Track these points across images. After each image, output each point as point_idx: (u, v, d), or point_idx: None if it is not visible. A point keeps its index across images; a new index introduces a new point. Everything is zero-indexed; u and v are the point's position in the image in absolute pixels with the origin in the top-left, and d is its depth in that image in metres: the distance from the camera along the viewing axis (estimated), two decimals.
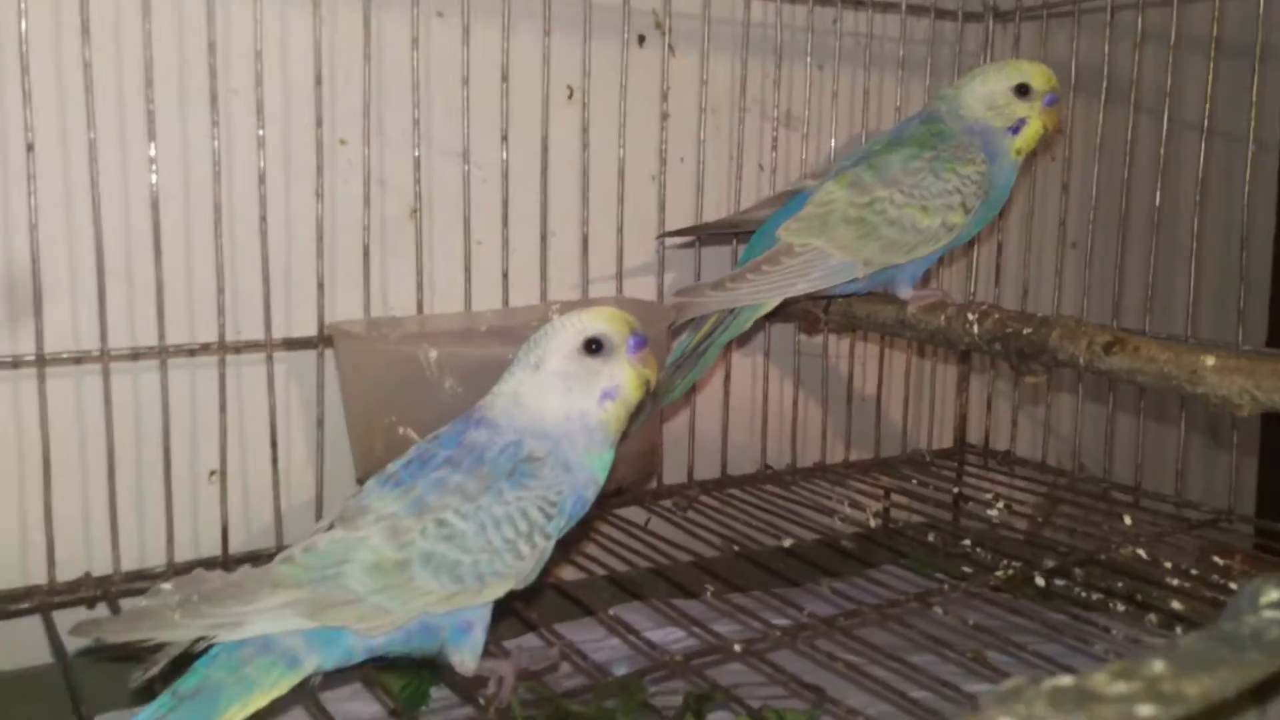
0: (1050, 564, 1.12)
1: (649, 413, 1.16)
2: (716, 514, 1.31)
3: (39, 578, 1.06)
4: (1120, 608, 1.06)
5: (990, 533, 1.33)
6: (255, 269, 1.13)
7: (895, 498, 1.48)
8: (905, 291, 1.23)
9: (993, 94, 1.19)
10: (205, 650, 0.77)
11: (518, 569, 0.81)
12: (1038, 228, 1.62)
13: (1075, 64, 1.45)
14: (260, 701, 0.76)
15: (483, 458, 0.82)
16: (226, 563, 1.12)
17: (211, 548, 1.14)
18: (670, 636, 1.22)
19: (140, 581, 1.08)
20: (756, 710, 0.85)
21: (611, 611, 0.99)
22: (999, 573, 1.09)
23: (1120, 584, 1.12)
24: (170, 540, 1.11)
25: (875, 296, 1.29)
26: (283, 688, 0.77)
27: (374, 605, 0.77)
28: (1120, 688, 0.50)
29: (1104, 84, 1.42)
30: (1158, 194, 1.38)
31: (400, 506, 0.80)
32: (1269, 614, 0.59)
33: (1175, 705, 0.49)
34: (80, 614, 1.08)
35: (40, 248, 1.02)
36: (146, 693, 0.80)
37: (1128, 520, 1.28)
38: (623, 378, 0.85)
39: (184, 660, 0.77)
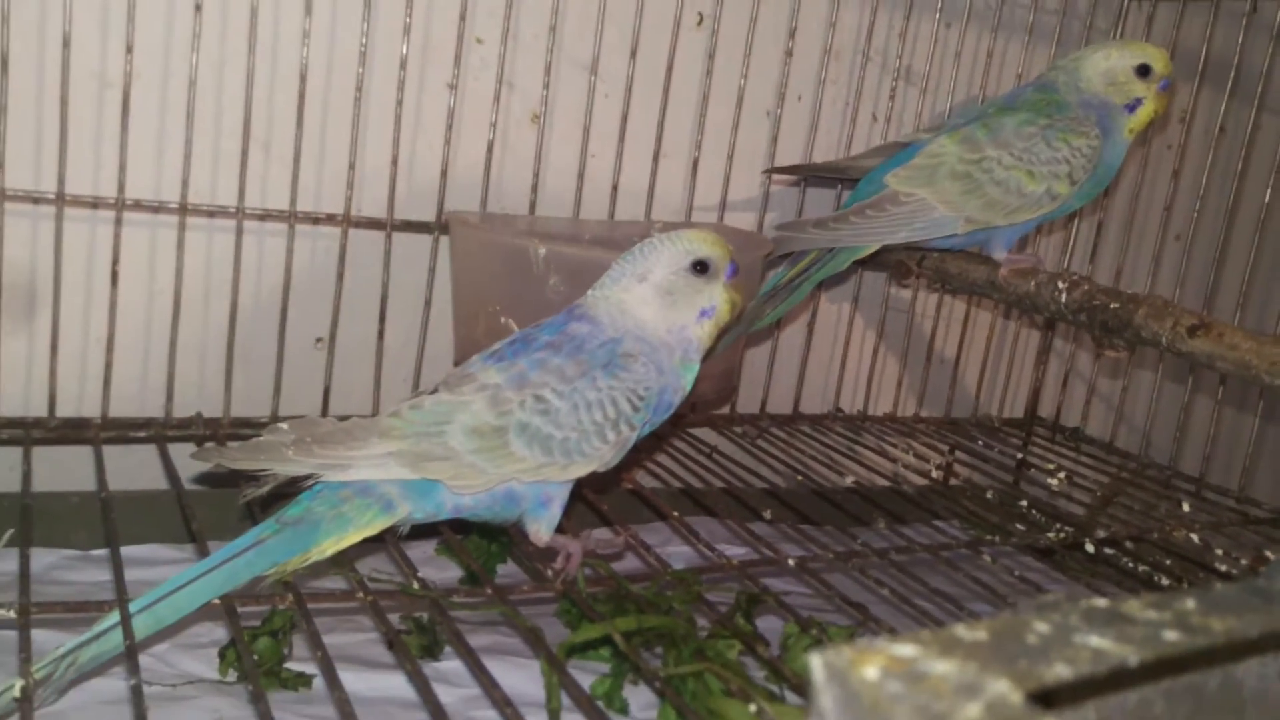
0: (1102, 534, 1.15)
1: (736, 335, 1.21)
2: (785, 445, 1.36)
3: (156, 412, 1.15)
4: (1165, 582, 1.09)
5: (1048, 500, 1.37)
6: (385, 151, 1.20)
7: (960, 455, 1.51)
8: (1000, 253, 1.26)
9: (1114, 70, 1.20)
10: (309, 486, 0.84)
11: (601, 453, 0.87)
12: (1142, 212, 1.62)
13: (1207, 51, 1.45)
14: (354, 538, 0.84)
15: (582, 347, 0.88)
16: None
17: (312, 408, 1.22)
18: (731, 548, 1.29)
19: (245, 429, 1.16)
20: (803, 618, 0.91)
21: (681, 517, 1.05)
22: (1050, 534, 1.13)
23: (1169, 562, 1.15)
24: (276, 394, 1.19)
25: (969, 255, 1.32)
26: (376, 528, 0.85)
27: (469, 464, 0.84)
28: (1151, 614, 0.55)
29: (1232, 75, 1.41)
30: (1267, 192, 1.38)
31: (503, 379, 0.86)
32: None
33: (1199, 636, 0.54)
34: (189, 449, 1.17)
35: (195, 104, 1.10)
36: (247, 520, 0.88)
37: (1186, 507, 1.30)
38: (720, 299, 0.90)
39: (282, 496, 0.85)
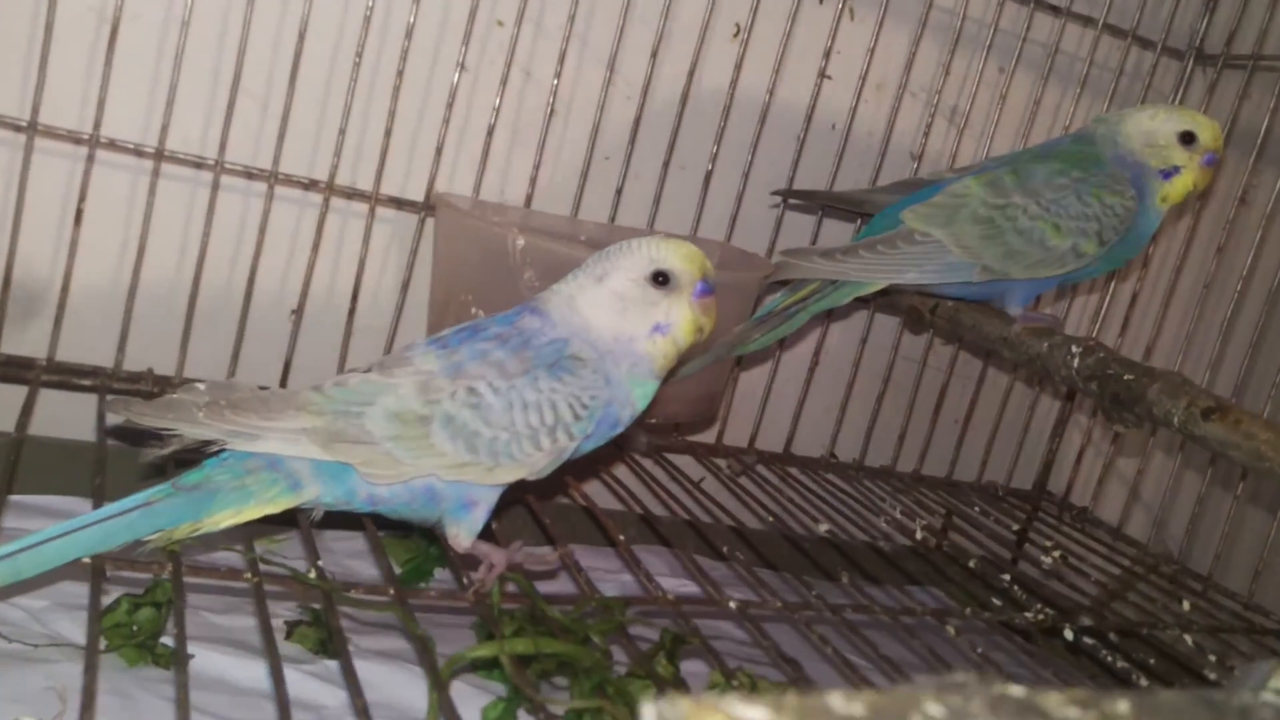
0: (1086, 622, 1.06)
1: (717, 357, 1.14)
2: (768, 487, 1.28)
3: (106, 362, 1.10)
4: (1145, 684, 0.99)
5: (1039, 579, 1.28)
6: (381, 122, 1.15)
7: (955, 521, 1.42)
8: (1015, 309, 1.18)
9: (1156, 132, 1.12)
10: (217, 453, 0.79)
11: (533, 460, 0.81)
12: (1184, 287, 1.52)
13: (1270, 122, 1.36)
14: (252, 514, 0.78)
15: (529, 343, 0.82)
16: None
17: (271, 379, 1.16)
18: (674, 582, 1.21)
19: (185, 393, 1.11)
20: (730, 669, 0.83)
21: (627, 543, 0.98)
22: (1029, 614, 1.04)
23: (1154, 662, 1.05)
24: (234, 360, 1.14)
25: (985, 308, 1.24)
26: (278, 506, 0.79)
27: (385, 452, 0.78)
28: (1072, 713, 0.47)
29: None
30: None
31: (439, 366, 0.80)
32: (1270, 697, 0.55)
33: None
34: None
35: (185, 46, 1.05)
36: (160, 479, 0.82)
37: (1186, 606, 1.20)
38: (679, 317, 0.83)
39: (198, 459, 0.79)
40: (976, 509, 1.41)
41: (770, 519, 1.15)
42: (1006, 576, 1.14)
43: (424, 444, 0.79)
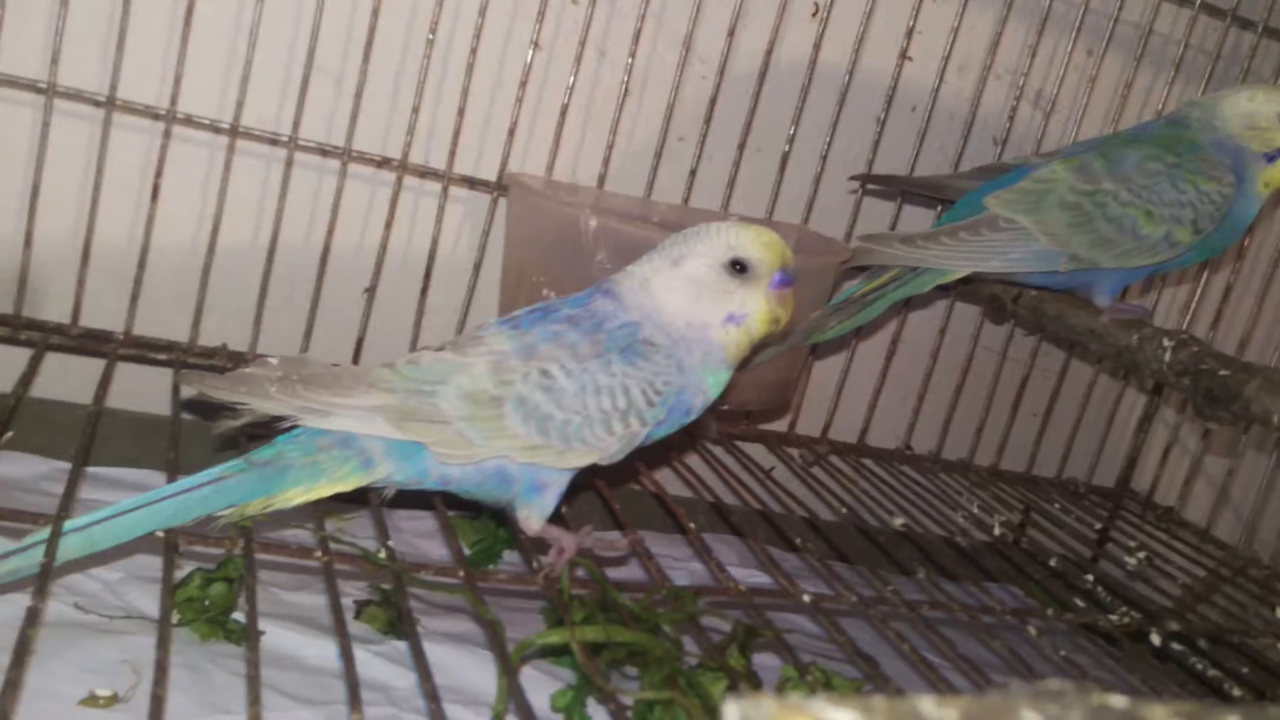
0: (1174, 626, 1.02)
1: (792, 345, 1.11)
2: (841, 478, 1.26)
3: (181, 336, 1.11)
4: (1237, 693, 0.95)
5: (1123, 580, 1.23)
6: (455, 101, 1.13)
7: (1034, 517, 1.38)
8: (1103, 299, 1.13)
9: (1256, 113, 1.07)
10: (289, 429, 0.78)
11: (605, 445, 0.79)
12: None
13: None
14: (323, 491, 0.77)
15: (601, 326, 0.80)
16: None
17: (343, 356, 1.16)
18: (746, 573, 1.19)
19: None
20: (804, 663, 0.81)
21: (698, 531, 0.96)
22: (1114, 617, 1.00)
23: (1247, 670, 1.01)
24: (307, 337, 1.14)
25: (1070, 298, 1.19)
26: (349, 484, 0.78)
27: (457, 432, 0.77)
28: None
29: None
30: None
31: (511, 346, 0.79)
32: None
33: None
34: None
35: (260, 26, 1.05)
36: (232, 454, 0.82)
37: (1279, 612, 1.15)
38: (754, 308, 0.80)
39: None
40: (1056, 506, 1.37)
41: (843, 510, 1.13)
42: (1089, 577, 1.10)
43: (496, 425, 0.77)
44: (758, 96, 1.24)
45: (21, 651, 0.55)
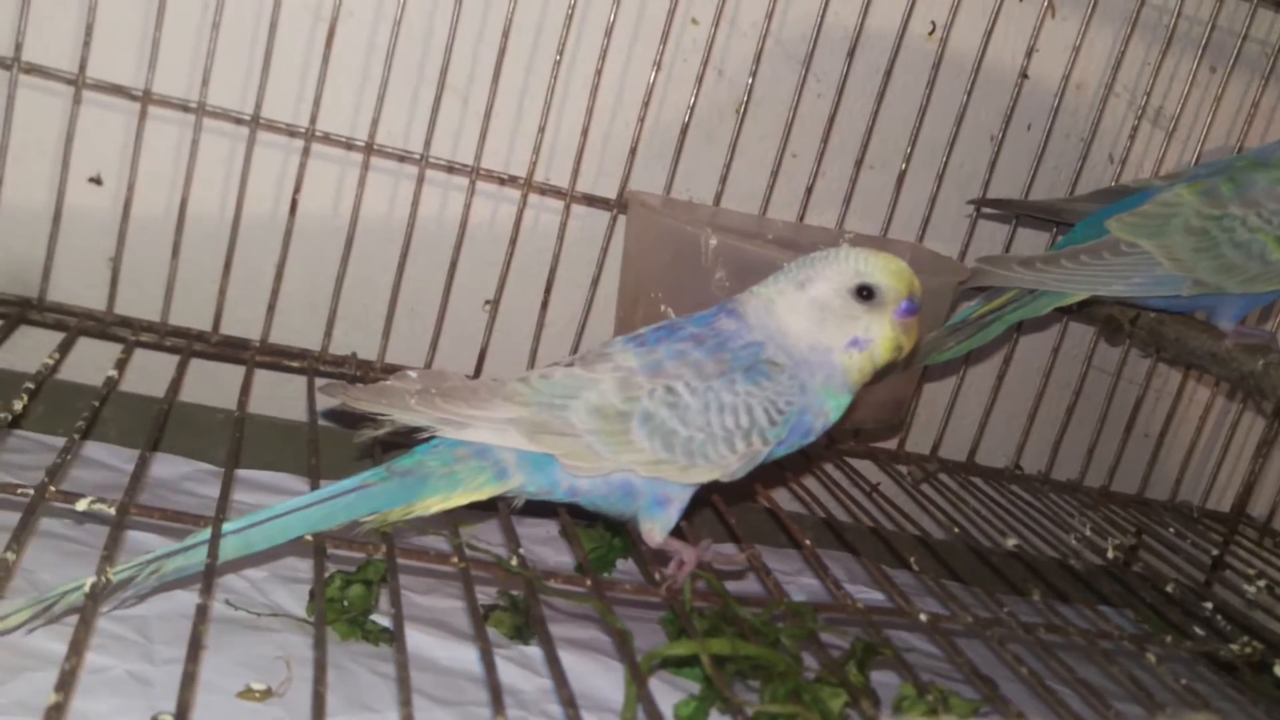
0: None
1: (906, 369, 1.12)
2: (951, 496, 1.26)
3: (314, 345, 1.16)
4: None
5: (1241, 609, 1.21)
6: (578, 120, 1.17)
7: (1146, 540, 1.36)
8: (1227, 323, 1.12)
9: None
10: (427, 439, 0.82)
11: (727, 462, 0.81)
12: None
13: None
14: (460, 499, 0.80)
15: (725, 345, 0.82)
16: None
17: (466, 368, 1.20)
18: (861, 591, 1.20)
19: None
20: (923, 682, 0.82)
21: (813, 547, 0.97)
22: (1234, 646, 0.99)
23: None
24: (433, 348, 1.18)
25: (1191, 321, 1.18)
26: (484, 493, 0.81)
27: (586, 445, 0.79)
28: None
29: None
30: None
31: (638, 363, 0.81)
32: None
33: None
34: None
35: (396, 44, 1.09)
36: (367, 464, 0.86)
37: None
38: (879, 334, 0.81)
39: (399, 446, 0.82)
40: (1171, 530, 1.35)
41: (955, 530, 1.13)
42: (1209, 604, 1.09)
43: (623, 439, 0.80)
44: (876, 116, 1.25)
45: (195, 646, 0.59)
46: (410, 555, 0.79)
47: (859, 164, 1.26)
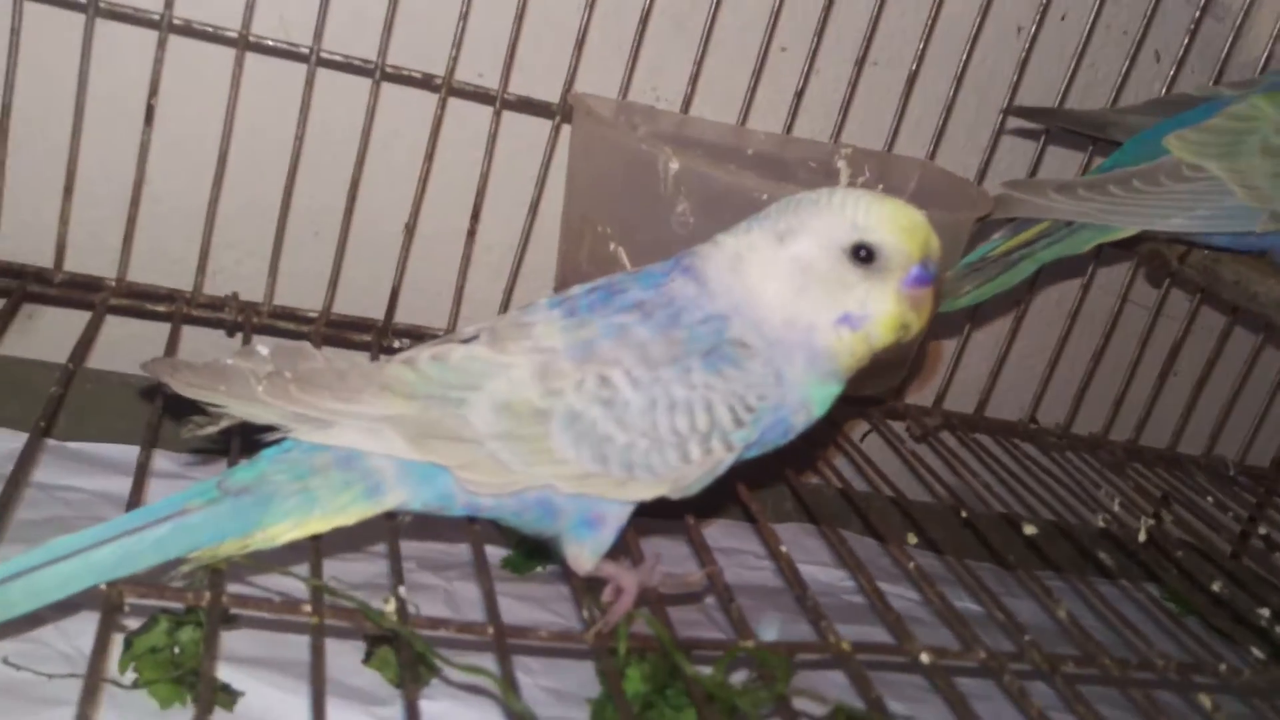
0: None
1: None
2: (953, 458, 1.07)
3: (185, 284, 0.94)
4: None
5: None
6: (511, 7, 0.93)
7: (1176, 508, 1.18)
8: None
9: None
10: (279, 441, 0.61)
11: (678, 474, 0.61)
12: None
13: None
14: (318, 525, 0.61)
15: (679, 318, 0.61)
16: (385, 329, 0.98)
17: (375, 308, 0.99)
18: (837, 578, 1.02)
19: (287, 321, 0.95)
20: None
21: (788, 555, 0.78)
22: None
23: None
24: (332, 287, 0.96)
25: (1253, 261, 0.99)
26: (351, 516, 0.61)
27: (489, 453, 0.59)
28: None
29: None
30: None
31: (564, 343, 0.61)
32: None
33: None
34: (214, 338, 0.97)
35: None
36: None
37: None
38: (879, 309, 0.61)
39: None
40: (1209, 499, 1.16)
41: (961, 514, 0.94)
42: (1265, 612, 0.90)
43: (540, 447, 0.60)
44: (881, 3, 1.02)
45: None
46: (247, 605, 0.59)
47: (860, 62, 1.03)
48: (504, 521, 0.65)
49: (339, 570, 0.80)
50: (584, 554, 0.65)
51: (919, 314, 0.62)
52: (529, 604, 0.87)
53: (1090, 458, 1.19)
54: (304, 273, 0.98)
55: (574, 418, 0.60)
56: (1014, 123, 1.11)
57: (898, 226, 0.60)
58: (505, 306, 1.02)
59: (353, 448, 0.60)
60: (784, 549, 0.79)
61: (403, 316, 1.00)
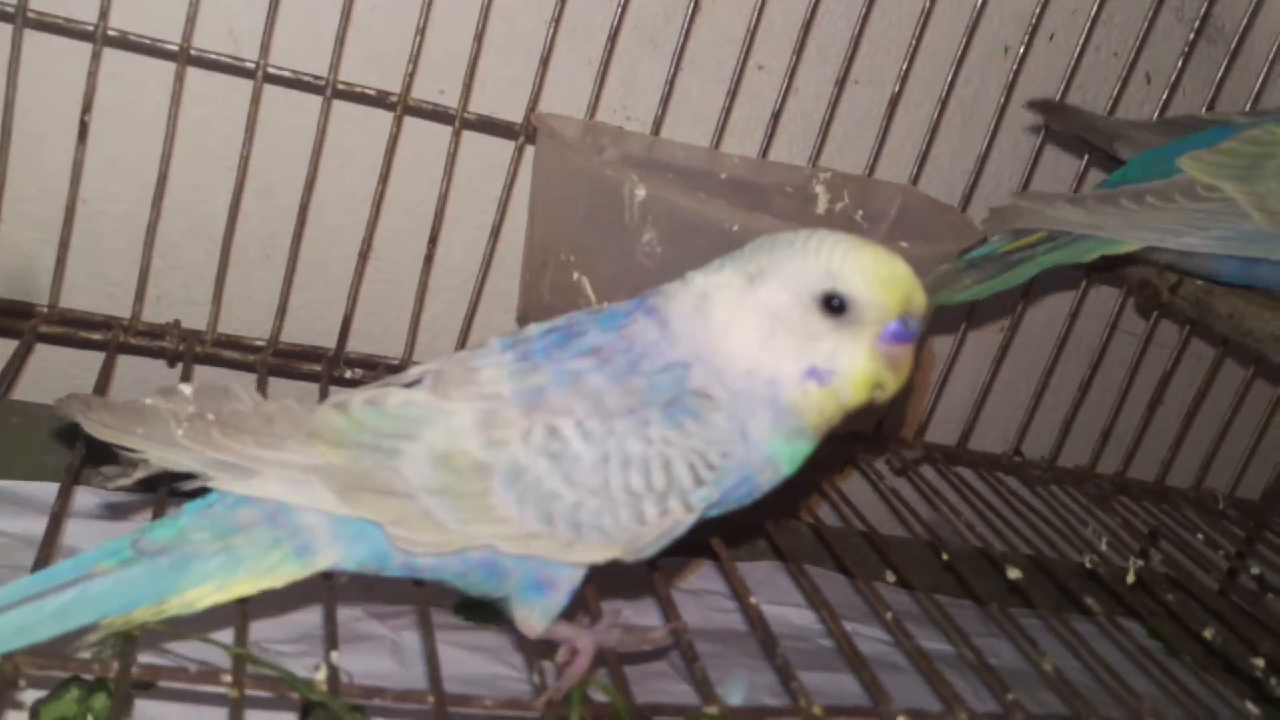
0: None
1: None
2: (930, 491, 1.02)
3: (123, 312, 0.89)
4: None
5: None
6: (472, 16, 0.88)
7: (1165, 545, 1.13)
8: None
9: None
10: (202, 492, 0.56)
11: (631, 536, 0.56)
12: None
13: None
14: (243, 588, 0.56)
15: (638, 365, 0.56)
16: (337, 359, 0.93)
17: (326, 336, 0.93)
18: (810, 620, 0.98)
19: (232, 350, 0.90)
20: None
21: (748, 567, 0.74)
22: None
23: None
24: (280, 315, 0.91)
25: (1247, 294, 0.94)
26: (279, 579, 0.56)
27: (423, 510, 0.54)
28: None
29: None
30: None
31: (512, 389, 0.56)
32: None
33: None
34: (155, 368, 0.92)
35: None
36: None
37: None
38: (848, 364, 0.56)
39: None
40: (1199, 536, 1.12)
41: (943, 556, 0.89)
42: (1260, 663, 0.86)
43: (479, 504, 0.55)
44: (864, 20, 0.97)
45: None
46: (160, 675, 0.54)
47: (841, 81, 0.98)
48: (447, 583, 0.60)
49: (271, 626, 0.75)
50: (533, 618, 0.59)
51: (895, 373, 0.57)
52: (482, 656, 0.82)
53: (1076, 491, 1.14)
54: (251, 299, 0.93)
55: (518, 473, 0.55)
56: (1000, 146, 1.07)
57: (876, 277, 0.55)
58: (465, 335, 0.96)
59: (279, 501, 0.55)
60: (753, 599, 0.74)
61: (356, 345, 0.95)
